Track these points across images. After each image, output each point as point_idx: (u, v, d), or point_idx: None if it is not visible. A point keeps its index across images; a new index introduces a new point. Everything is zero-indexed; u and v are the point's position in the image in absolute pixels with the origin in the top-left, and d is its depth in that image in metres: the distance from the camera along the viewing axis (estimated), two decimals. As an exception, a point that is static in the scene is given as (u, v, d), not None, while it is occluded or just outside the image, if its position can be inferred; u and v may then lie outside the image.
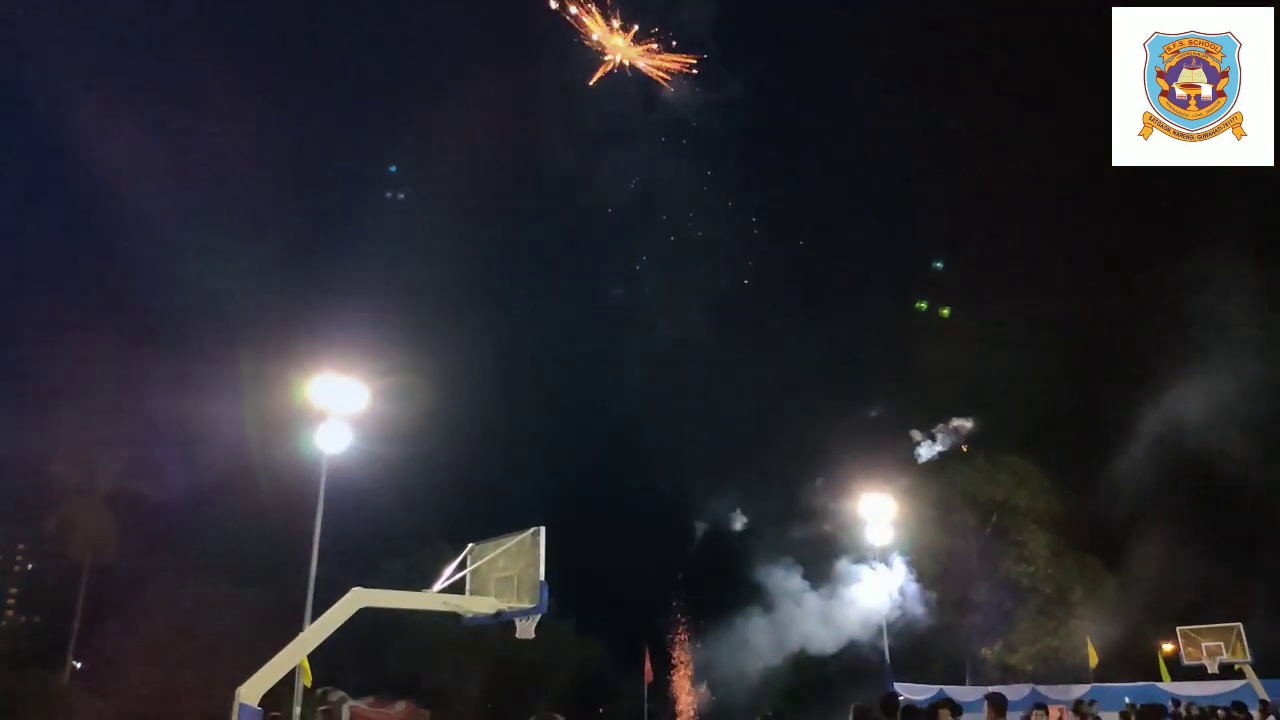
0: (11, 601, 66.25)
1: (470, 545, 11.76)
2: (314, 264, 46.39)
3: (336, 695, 11.70)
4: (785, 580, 32.30)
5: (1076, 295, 42.72)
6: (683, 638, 37.87)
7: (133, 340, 32.08)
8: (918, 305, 43.00)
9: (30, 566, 65.13)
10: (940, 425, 38.67)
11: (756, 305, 53.89)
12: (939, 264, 47.10)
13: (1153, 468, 35.93)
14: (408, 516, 36.24)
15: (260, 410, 31.56)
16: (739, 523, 36.01)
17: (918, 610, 33.16)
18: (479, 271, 52.17)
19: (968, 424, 38.21)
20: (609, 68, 50.02)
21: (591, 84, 49.62)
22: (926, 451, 38.30)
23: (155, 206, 36.32)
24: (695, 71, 50.43)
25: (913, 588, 33.18)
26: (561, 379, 50.29)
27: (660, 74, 50.12)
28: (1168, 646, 30.28)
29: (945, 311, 41.50)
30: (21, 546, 69.91)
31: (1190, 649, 26.16)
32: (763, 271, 54.70)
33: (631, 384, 49.94)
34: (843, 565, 31.53)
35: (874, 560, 30.41)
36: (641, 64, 50.05)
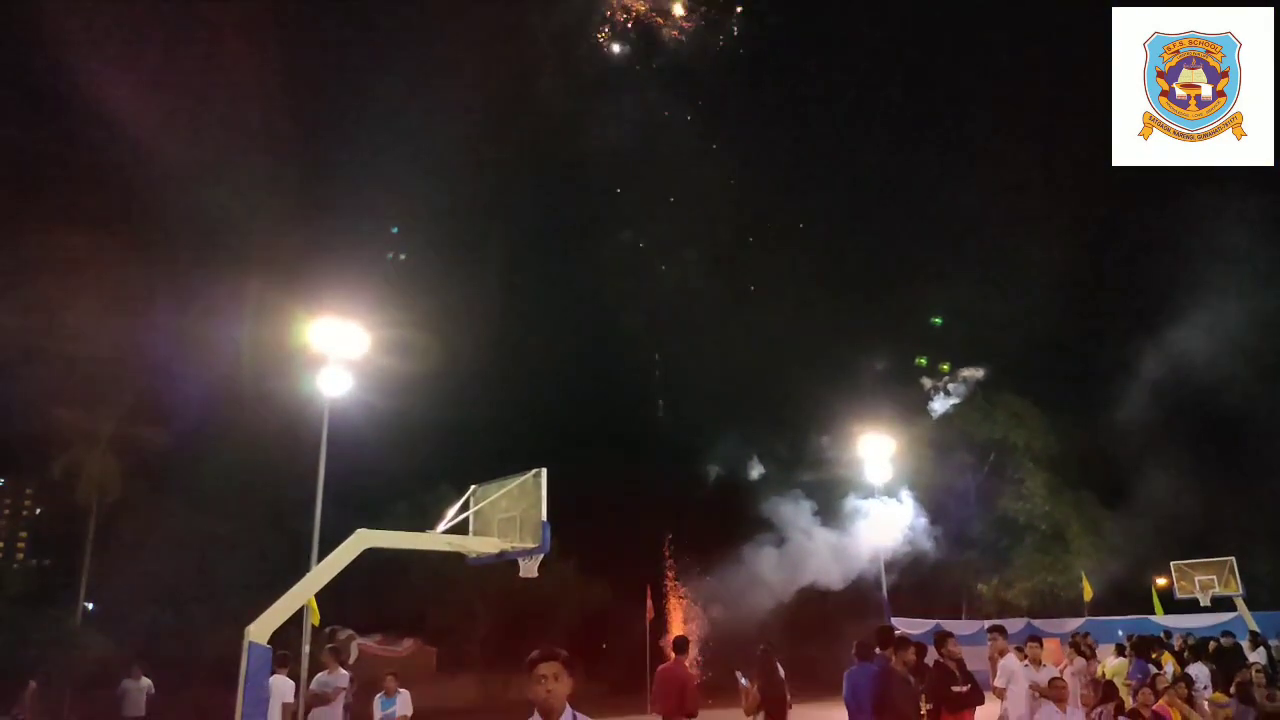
0: (22, 545, 67.24)
1: (473, 487, 11.89)
2: (319, 199, 45.99)
3: (345, 633, 11.99)
4: (790, 518, 32.64)
5: (1074, 231, 42.50)
6: (685, 576, 38.44)
7: (134, 279, 31.85)
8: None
9: (39, 511, 65.89)
10: (947, 377, 38.72)
11: (762, 254, 53.68)
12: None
13: (1150, 404, 36.17)
14: (410, 459, 36.49)
15: (263, 350, 31.61)
16: (752, 469, 36.23)
17: (926, 545, 33.60)
18: (481, 215, 51.84)
19: (979, 373, 38.23)
20: (613, 18, 49.20)
21: (597, 31, 48.84)
22: (940, 405, 38.35)
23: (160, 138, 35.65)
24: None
25: (922, 522, 33.56)
26: (565, 324, 50.24)
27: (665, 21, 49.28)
28: (1161, 580, 30.77)
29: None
30: (29, 491, 70.72)
31: (1183, 583, 26.61)
32: (769, 219, 54.42)
33: (636, 329, 49.95)
34: (849, 503, 31.82)
35: (881, 495, 30.68)
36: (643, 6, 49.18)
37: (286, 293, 30.21)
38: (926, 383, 39.23)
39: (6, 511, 74.26)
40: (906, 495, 33.37)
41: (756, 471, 36.19)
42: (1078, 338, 44.00)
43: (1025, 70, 48.32)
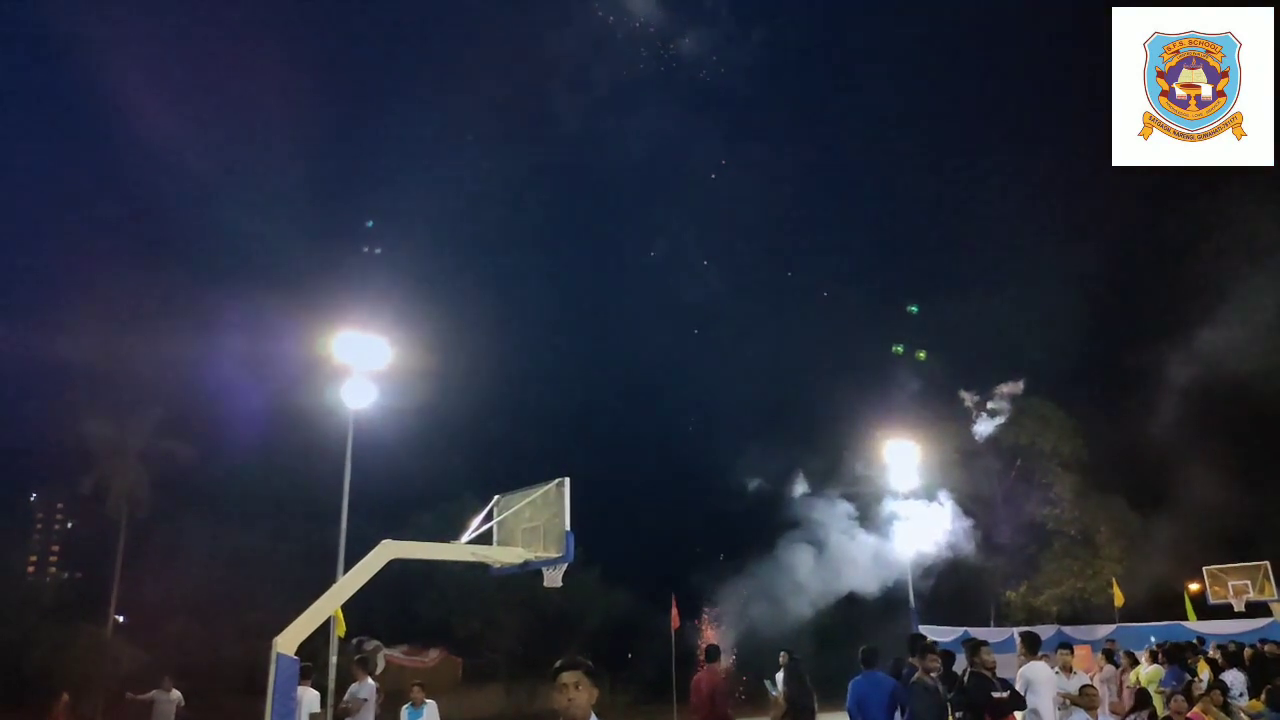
0: (54, 559, 68.09)
1: (496, 497, 11.90)
2: (342, 215, 46.58)
3: (371, 644, 12.02)
4: (821, 522, 32.27)
5: (1100, 232, 42.18)
6: (711, 585, 38.24)
7: (161, 296, 32.34)
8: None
9: (70, 525, 66.73)
10: (980, 396, 38.08)
11: (782, 263, 53.75)
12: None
13: (1179, 406, 35.67)
14: (434, 470, 36.76)
15: (288, 364, 31.92)
16: (777, 477, 35.78)
17: (967, 548, 33.05)
18: (507, 226, 52.20)
19: (1019, 387, 37.56)
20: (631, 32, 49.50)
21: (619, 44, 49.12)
22: (985, 428, 37.67)
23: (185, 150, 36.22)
24: None
25: (962, 524, 33.03)
26: (590, 336, 50.53)
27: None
28: (1194, 586, 30.28)
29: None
30: (60, 505, 71.67)
31: (1217, 588, 26.17)
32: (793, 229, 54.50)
33: (658, 340, 50.12)
34: (885, 509, 31.39)
35: (919, 499, 30.27)
36: None
37: (310, 306, 30.51)
38: (966, 397, 38.51)
39: (38, 525, 75.21)
40: (946, 498, 32.88)
41: (781, 478, 35.83)
42: (1105, 340, 43.59)
43: (1026, 72, 48.17)
